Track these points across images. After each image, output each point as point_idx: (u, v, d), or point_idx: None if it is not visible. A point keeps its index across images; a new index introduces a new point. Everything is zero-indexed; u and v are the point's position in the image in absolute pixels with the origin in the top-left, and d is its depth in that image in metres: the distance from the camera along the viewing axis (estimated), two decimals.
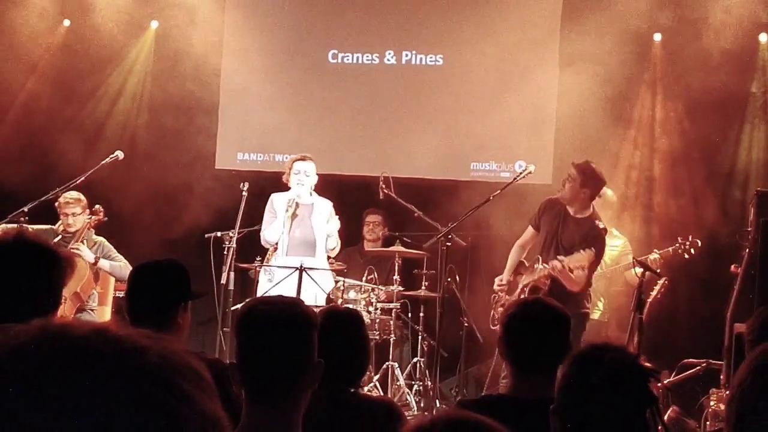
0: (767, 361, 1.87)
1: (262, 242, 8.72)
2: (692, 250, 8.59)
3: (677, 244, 8.65)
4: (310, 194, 8.79)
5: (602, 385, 2.60)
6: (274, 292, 8.08)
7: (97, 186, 8.96)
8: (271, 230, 8.62)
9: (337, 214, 8.83)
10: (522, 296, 7.72)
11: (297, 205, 8.61)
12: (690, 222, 9.34)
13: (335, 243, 8.80)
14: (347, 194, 10.01)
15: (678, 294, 8.91)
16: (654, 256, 8.64)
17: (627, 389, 2.61)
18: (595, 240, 7.80)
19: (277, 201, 8.72)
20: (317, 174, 8.84)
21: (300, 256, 8.49)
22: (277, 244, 8.65)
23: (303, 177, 8.68)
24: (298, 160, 8.81)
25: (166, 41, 11.08)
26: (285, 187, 8.79)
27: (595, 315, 8.71)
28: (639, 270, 7.36)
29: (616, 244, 8.97)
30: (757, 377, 1.85)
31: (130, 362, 1.04)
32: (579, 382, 2.67)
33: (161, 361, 1.05)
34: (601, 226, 7.92)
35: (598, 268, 8.40)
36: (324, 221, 8.74)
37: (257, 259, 8.70)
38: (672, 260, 8.68)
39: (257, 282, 8.61)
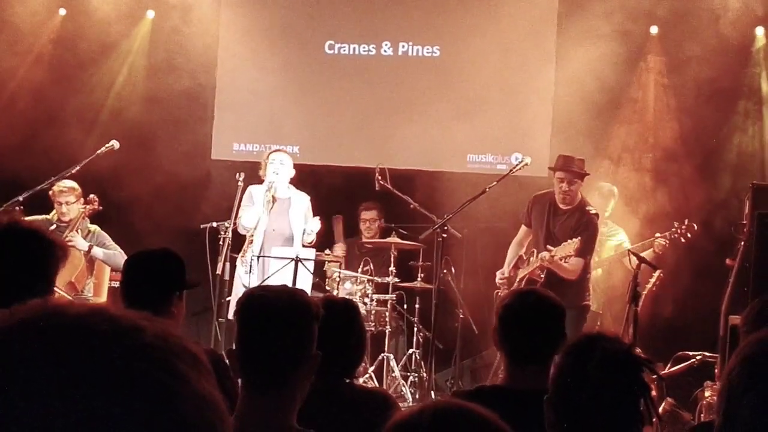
0: (755, 351, 1.87)
1: (239, 229, 8.69)
2: (689, 234, 8.62)
3: (673, 229, 8.68)
4: (288, 188, 8.79)
5: (596, 374, 2.60)
6: (269, 283, 8.09)
7: (93, 175, 8.94)
8: (248, 215, 8.62)
9: (333, 206, 8.83)
10: (521, 286, 7.77)
11: (275, 189, 8.60)
12: (685, 214, 9.33)
13: (312, 239, 8.77)
14: (344, 185, 10.01)
15: (674, 286, 8.90)
16: (659, 240, 8.67)
17: (620, 378, 2.61)
18: (586, 227, 7.88)
19: (255, 192, 8.73)
20: (309, 164, 8.83)
21: (277, 248, 8.50)
22: (253, 234, 8.62)
23: (278, 165, 8.69)
24: (274, 152, 8.87)
25: (161, 31, 11.06)
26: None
27: (593, 306, 8.73)
28: (635, 260, 7.38)
29: (621, 238, 9.00)
30: (745, 367, 1.85)
31: (127, 341, 1.04)
32: (573, 371, 2.67)
33: (158, 342, 1.05)
34: (593, 211, 7.99)
35: (595, 257, 8.44)
36: (301, 215, 8.74)
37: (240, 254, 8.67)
38: (671, 245, 8.70)
39: (232, 275, 8.57)
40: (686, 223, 8.66)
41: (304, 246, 8.67)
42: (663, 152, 9.90)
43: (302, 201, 8.84)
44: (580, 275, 7.87)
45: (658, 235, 8.77)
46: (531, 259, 8.02)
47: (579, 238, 7.70)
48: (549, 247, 7.84)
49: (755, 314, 4.04)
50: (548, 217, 8.09)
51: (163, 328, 1.08)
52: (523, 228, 8.36)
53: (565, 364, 2.73)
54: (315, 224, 8.66)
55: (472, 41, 10.43)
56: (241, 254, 8.68)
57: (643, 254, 8.13)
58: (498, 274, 8.32)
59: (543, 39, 10.38)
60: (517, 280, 8.07)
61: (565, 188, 8.01)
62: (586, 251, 7.86)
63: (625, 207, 9.32)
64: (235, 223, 8.59)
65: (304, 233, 8.71)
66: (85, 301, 8.44)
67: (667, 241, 8.70)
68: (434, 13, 10.70)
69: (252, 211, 8.61)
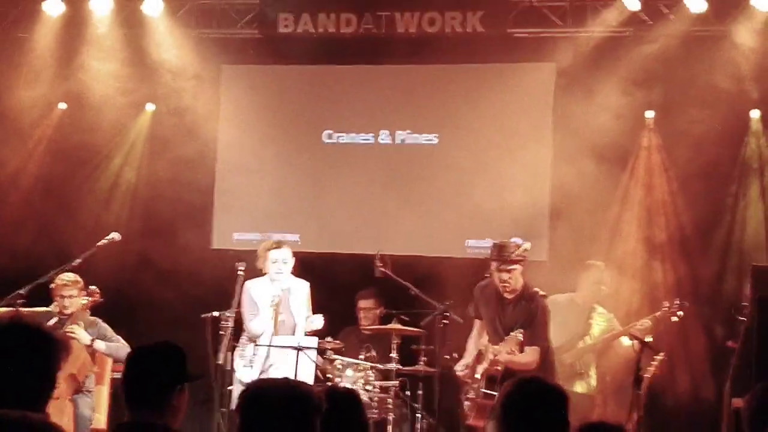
0: None
1: (248, 334, 8.71)
2: (680, 313, 8.59)
3: (665, 308, 8.66)
4: (288, 278, 8.81)
5: None
6: (275, 373, 8.07)
7: (94, 267, 8.95)
8: (257, 322, 8.62)
9: (332, 293, 8.84)
10: (482, 383, 7.75)
11: (280, 300, 8.62)
12: (686, 296, 9.34)
13: (314, 328, 8.78)
14: (343, 273, 10.00)
15: (677, 369, 8.86)
16: (645, 323, 8.64)
17: None
18: (533, 317, 7.81)
19: (254, 292, 8.72)
20: (309, 252, 8.85)
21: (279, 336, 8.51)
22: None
23: (281, 265, 8.72)
24: (274, 248, 8.82)
25: (161, 123, 11.17)
26: (259, 273, 8.81)
27: (579, 388, 8.70)
28: (636, 342, 7.35)
29: (601, 320, 8.98)
30: None
31: None
32: None
33: None
34: (540, 293, 7.94)
35: (585, 341, 8.42)
36: (303, 304, 8.76)
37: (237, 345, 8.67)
38: (662, 324, 8.67)
39: (232, 367, 8.54)
40: (678, 301, 8.65)
41: (306, 334, 8.67)
42: (661, 232, 9.91)
43: (302, 289, 8.84)
44: (540, 363, 7.76)
45: (647, 318, 8.73)
46: (488, 354, 7.96)
47: (521, 331, 7.61)
48: (494, 348, 7.76)
49: (759, 404, 4.00)
50: (497, 308, 8.03)
51: None
52: (476, 322, 8.32)
53: None
54: (318, 322, 8.67)
55: (469, 128, 10.54)
56: (240, 346, 8.66)
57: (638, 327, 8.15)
58: (457, 367, 8.22)
59: (539, 124, 10.47)
60: (479, 375, 7.99)
61: (505, 277, 7.91)
62: (537, 339, 7.77)
63: (621, 286, 9.31)
64: (236, 312, 8.57)
65: (306, 321, 8.71)
66: (86, 392, 8.41)
67: (656, 321, 8.67)
68: (431, 101, 10.81)
69: (259, 321, 8.62)
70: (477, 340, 8.29)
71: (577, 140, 9.83)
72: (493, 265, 8.00)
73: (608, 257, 9.56)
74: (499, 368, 7.74)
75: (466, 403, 8.10)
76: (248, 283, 8.71)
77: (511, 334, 7.63)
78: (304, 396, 3.02)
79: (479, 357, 8.13)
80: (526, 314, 7.85)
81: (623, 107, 9.86)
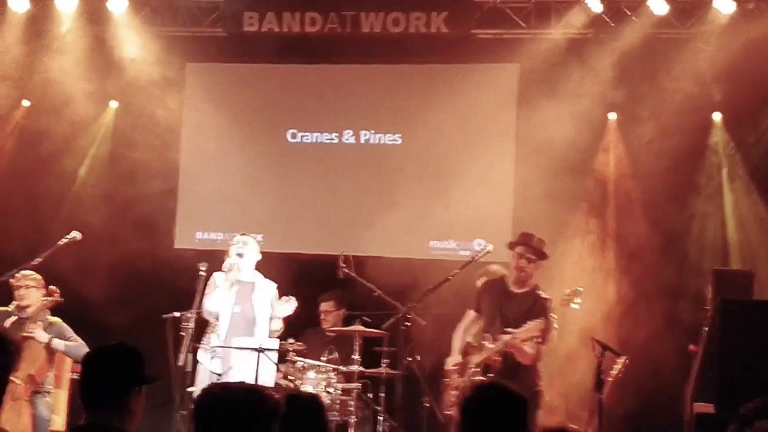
0: None
1: (204, 314, 8.61)
2: (578, 300, 8.58)
3: (563, 297, 8.65)
4: (253, 274, 8.76)
5: None
6: (235, 375, 8.03)
7: (54, 267, 8.87)
8: (211, 299, 8.55)
9: (295, 294, 8.77)
10: (476, 376, 7.72)
11: (237, 270, 8.57)
12: (648, 298, 9.37)
13: (279, 326, 8.74)
14: (306, 273, 9.96)
15: (639, 372, 8.88)
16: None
17: None
18: (541, 310, 7.81)
19: (218, 277, 8.69)
20: (273, 252, 8.81)
21: (240, 335, 8.45)
22: (217, 318, 8.58)
23: (241, 246, 8.68)
24: (239, 234, 8.88)
25: (125, 121, 11.10)
26: None
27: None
28: (597, 346, 7.35)
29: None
30: None
31: None
32: None
33: None
34: (545, 296, 7.95)
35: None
36: (266, 303, 8.71)
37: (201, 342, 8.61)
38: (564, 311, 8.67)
39: (195, 365, 8.48)
40: (574, 289, 8.57)
41: (270, 336, 8.61)
42: (624, 236, 9.94)
43: (268, 289, 8.79)
44: (536, 361, 7.81)
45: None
46: (486, 344, 7.95)
47: (543, 318, 7.64)
48: (509, 330, 7.77)
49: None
50: (501, 301, 8.06)
51: None
52: (470, 313, 8.30)
53: None
54: (289, 307, 8.62)
55: (433, 129, 10.53)
56: (205, 340, 8.59)
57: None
58: (448, 361, 8.24)
59: (503, 125, 10.48)
60: (473, 366, 7.99)
61: (523, 264, 7.98)
62: (545, 339, 7.80)
63: (586, 290, 9.32)
64: (198, 313, 8.51)
65: (271, 321, 8.66)
66: (45, 393, 8.33)
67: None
68: (395, 101, 10.80)
69: (215, 295, 8.57)
70: (463, 333, 8.26)
71: (540, 141, 9.86)
72: (516, 250, 8.01)
73: (570, 257, 9.59)
74: (498, 358, 7.75)
75: (453, 392, 8.04)
76: (216, 273, 8.69)
77: (531, 323, 7.61)
78: (261, 401, 2.99)
79: (468, 348, 8.12)
80: (533, 309, 7.84)
81: (586, 109, 9.89)
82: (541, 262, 8.08)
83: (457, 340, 8.27)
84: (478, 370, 7.85)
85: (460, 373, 8.05)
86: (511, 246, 8.15)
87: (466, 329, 8.30)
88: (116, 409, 3.83)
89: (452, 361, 8.20)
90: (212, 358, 8.45)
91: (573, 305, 8.59)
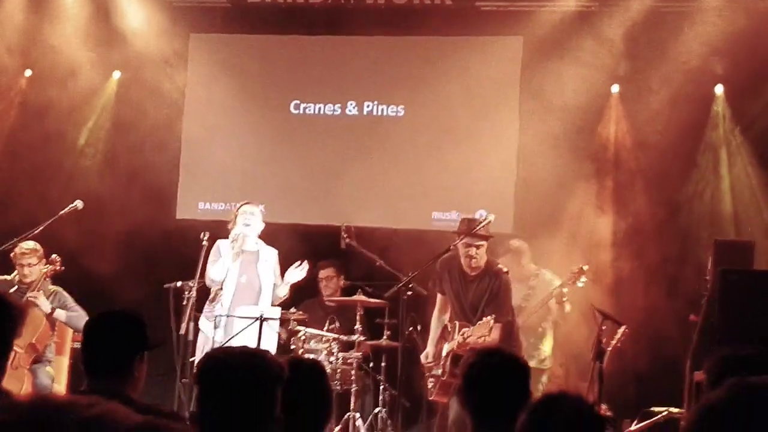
0: (711, 407, 1.86)
1: (207, 282, 8.62)
2: (583, 278, 8.67)
3: (569, 275, 8.74)
4: (256, 243, 8.77)
5: None
6: (234, 343, 8.02)
7: (56, 235, 8.88)
8: (216, 268, 8.56)
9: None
10: (446, 365, 7.77)
11: (244, 240, 8.58)
12: (651, 270, 9.38)
13: (285, 292, 8.75)
14: (309, 244, 9.97)
15: (640, 342, 8.90)
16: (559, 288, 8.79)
17: None
18: (497, 293, 7.86)
19: (223, 245, 8.69)
20: (275, 222, 8.81)
21: (245, 304, 8.46)
22: (221, 287, 8.58)
23: (249, 216, 8.67)
24: (246, 204, 8.82)
25: (128, 91, 11.07)
26: None
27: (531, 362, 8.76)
28: (598, 315, 7.38)
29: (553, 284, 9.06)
30: (702, 425, 1.84)
31: None
32: (536, 430, 2.66)
33: None
34: (503, 270, 7.99)
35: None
36: (270, 269, 8.72)
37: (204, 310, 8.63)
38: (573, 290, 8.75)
39: (196, 335, 8.50)
40: (582, 267, 8.69)
41: (272, 305, 8.63)
42: (627, 208, 9.94)
43: (271, 255, 8.80)
44: (504, 337, 7.80)
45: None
46: (454, 334, 7.96)
47: (493, 316, 7.62)
48: (464, 331, 7.76)
49: (716, 363, 4.03)
50: (459, 286, 8.07)
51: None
52: (439, 297, 8.36)
53: (528, 423, 2.72)
54: (301, 273, 8.64)
55: (436, 100, 10.51)
56: (208, 309, 8.60)
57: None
58: (422, 357, 8.27)
59: (507, 96, 10.46)
60: (444, 355, 8.01)
61: (472, 253, 7.95)
62: (500, 315, 7.79)
63: (587, 260, 9.34)
64: (200, 282, 8.52)
65: (274, 288, 8.67)
66: (47, 361, 8.36)
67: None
68: (399, 73, 10.78)
69: (220, 264, 8.57)
70: (439, 317, 8.30)
71: (544, 113, 9.85)
72: (461, 240, 7.99)
73: (572, 228, 9.60)
74: (466, 349, 7.74)
75: (431, 380, 8.12)
76: (220, 240, 8.69)
77: (484, 319, 7.60)
78: (264, 365, 2.99)
79: (444, 333, 8.14)
80: (490, 291, 7.86)
81: (589, 81, 9.87)
82: (489, 241, 8.08)
83: (433, 330, 8.30)
84: (448, 360, 7.88)
85: (436, 364, 8.09)
86: (457, 234, 8.10)
87: (440, 312, 8.33)
88: (119, 374, 3.84)
89: (425, 357, 8.24)
90: (216, 327, 8.46)
91: (579, 284, 8.66)
